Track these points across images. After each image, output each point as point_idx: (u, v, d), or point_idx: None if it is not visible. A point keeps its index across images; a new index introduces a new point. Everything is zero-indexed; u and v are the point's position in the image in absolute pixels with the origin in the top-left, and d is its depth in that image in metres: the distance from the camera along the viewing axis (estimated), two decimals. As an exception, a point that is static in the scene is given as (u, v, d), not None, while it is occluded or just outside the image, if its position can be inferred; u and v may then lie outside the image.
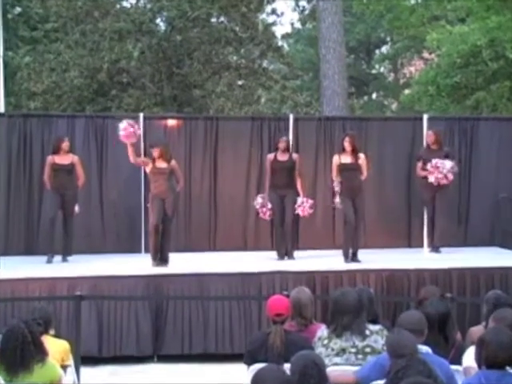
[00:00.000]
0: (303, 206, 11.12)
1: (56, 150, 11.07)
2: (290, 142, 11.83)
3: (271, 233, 12.10)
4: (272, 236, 12.01)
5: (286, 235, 11.28)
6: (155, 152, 10.43)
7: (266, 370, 4.26)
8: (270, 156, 11.34)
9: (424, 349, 5.18)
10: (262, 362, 5.47)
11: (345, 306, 5.72)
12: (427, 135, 11.86)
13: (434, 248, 11.71)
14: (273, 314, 5.94)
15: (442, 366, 4.99)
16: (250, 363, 5.72)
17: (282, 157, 11.21)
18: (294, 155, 11.41)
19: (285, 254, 11.18)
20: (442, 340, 5.75)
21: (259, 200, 11.30)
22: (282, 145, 11.23)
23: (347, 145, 10.77)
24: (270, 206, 11.15)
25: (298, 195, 11.22)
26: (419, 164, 11.77)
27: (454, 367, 5.32)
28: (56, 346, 5.95)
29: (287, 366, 4.62)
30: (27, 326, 5.07)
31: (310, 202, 11.23)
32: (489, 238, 12.80)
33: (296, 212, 11.13)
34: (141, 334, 9.52)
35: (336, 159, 10.88)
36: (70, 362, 6.26)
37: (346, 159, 10.78)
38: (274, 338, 5.76)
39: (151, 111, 19.42)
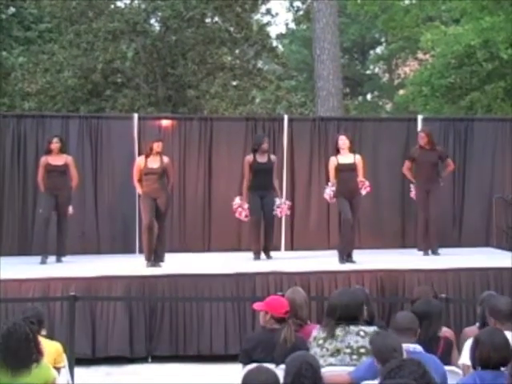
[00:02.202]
0: (281, 207, 11.16)
1: (47, 151, 11.05)
2: (284, 144, 11.78)
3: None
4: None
5: (266, 235, 11.33)
6: (158, 147, 10.45)
7: (256, 371, 4.25)
8: (249, 158, 11.32)
9: (412, 347, 5.21)
10: (258, 361, 5.47)
11: (338, 304, 5.73)
12: (419, 137, 11.72)
13: (433, 251, 11.49)
14: (283, 312, 5.93)
15: (433, 363, 5.00)
16: (245, 362, 5.71)
17: (262, 158, 11.23)
18: (273, 157, 11.45)
19: (264, 253, 11.27)
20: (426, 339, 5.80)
21: (237, 200, 11.28)
22: (265, 146, 11.24)
23: (342, 142, 10.74)
24: (246, 206, 11.15)
25: (276, 196, 11.27)
26: (407, 163, 11.74)
27: (446, 368, 5.34)
28: (48, 348, 5.85)
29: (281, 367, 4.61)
30: (27, 325, 5.04)
31: (288, 203, 11.29)
32: (484, 238, 12.81)
33: (274, 213, 11.17)
34: (135, 335, 9.49)
35: (333, 160, 10.84)
36: (64, 363, 6.21)
37: (344, 159, 10.75)
38: (289, 334, 5.75)
39: (145, 111, 19.41)
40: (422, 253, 11.56)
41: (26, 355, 4.88)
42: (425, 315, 5.82)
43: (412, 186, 11.75)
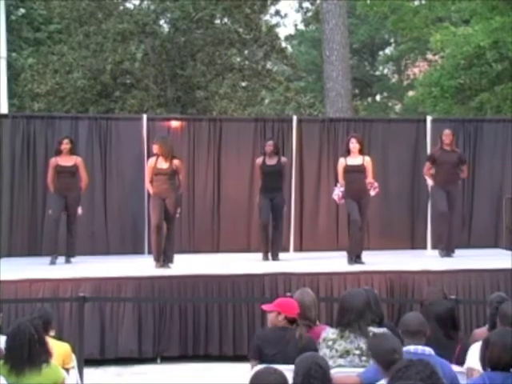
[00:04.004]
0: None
1: (57, 152, 11.07)
2: (293, 145, 11.75)
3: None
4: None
5: (274, 238, 11.35)
6: (155, 149, 10.46)
7: (265, 372, 4.24)
8: (259, 160, 11.40)
9: (420, 349, 5.18)
10: (268, 358, 5.62)
11: (350, 305, 5.73)
12: (445, 134, 11.49)
13: (449, 251, 11.39)
14: (295, 312, 6.01)
15: (445, 367, 5.00)
16: (256, 358, 5.80)
17: (270, 161, 11.26)
18: (283, 159, 11.48)
19: (271, 255, 11.27)
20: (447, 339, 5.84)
21: None
22: (268, 148, 11.28)
23: (353, 146, 10.70)
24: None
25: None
26: (428, 164, 11.65)
27: (456, 368, 5.32)
28: (57, 348, 5.85)
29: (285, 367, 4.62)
30: (33, 325, 5.04)
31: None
32: (493, 239, 12.77)
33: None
34: (144, 336, 9.50)
35: (342, 161, 10.82)
36: (73, 364, 6.21)
37: (353, 161, 10.72)
38: (303, 332, 5.88)
39: (155, 112, 19.45)
40: (438, 253, 11.47)
41: (30, 356, 4.89)
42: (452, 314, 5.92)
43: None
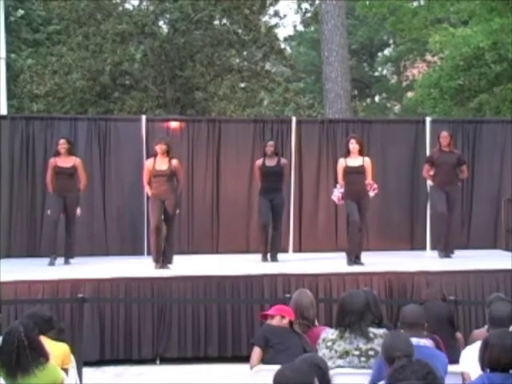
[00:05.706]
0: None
1: (56, 153, 11.06)
2: (292, 146, 11.75)
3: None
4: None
5: (273, 239, 11.34)
6: (160, 148, 10.39)
7: (290, 369, 4.14)
8: (259, 162, 11.41)
9: (422, 342, 5.27)
10: (273, 348, 5.86)
11: (350, 306, 5.75)
12: (442, 136, 11.51)
13: (448, 252, 11.41)
14: (293, 316, 6.23)
15: (438, 358, 5.09)
16: (260, 345, 5.98)
17: (270, 162, 11.28)
18: (283, 160, 11.49)
19: (270, 255, 11.27)
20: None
21: None
22: (268, 149, 11.29)
23: (353, 147, 10.70)
24: None
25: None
26: (426, 166, 11.66)
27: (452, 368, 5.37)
28: (56, 350, 5.83)
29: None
30: (25, 330, 5.02)
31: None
32: (492, 240, 12.78)
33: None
34: (143, 337, 9.49)
35: (342, 162, 10.82)
36: (72, 364, 6.20)
37: (353, 162, 10.72)
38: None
39: (154, 113, 19.44)
40: (438, 254, 11.46)
41: (19, 361, 4.89)
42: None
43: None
